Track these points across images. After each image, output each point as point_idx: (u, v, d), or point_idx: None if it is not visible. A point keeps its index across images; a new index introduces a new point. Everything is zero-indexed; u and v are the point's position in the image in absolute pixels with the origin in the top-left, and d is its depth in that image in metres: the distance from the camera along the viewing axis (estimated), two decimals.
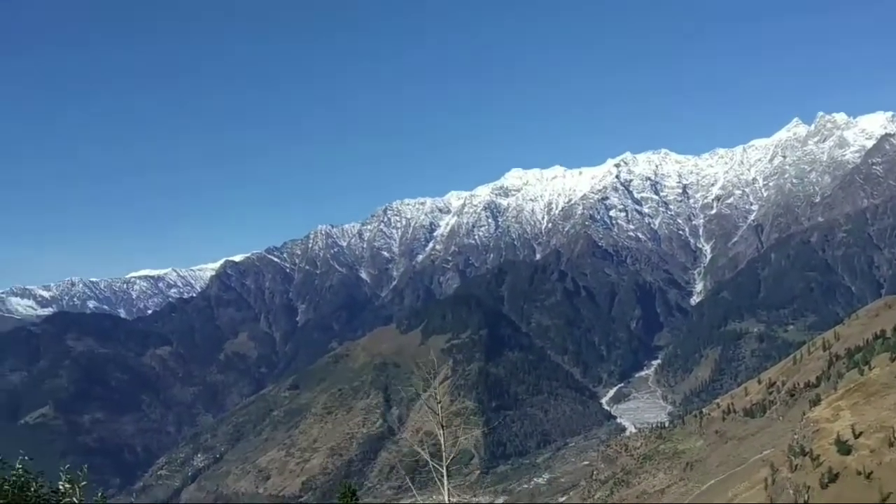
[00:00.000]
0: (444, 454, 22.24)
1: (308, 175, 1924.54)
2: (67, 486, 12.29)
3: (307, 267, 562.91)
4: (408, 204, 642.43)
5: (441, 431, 22.53)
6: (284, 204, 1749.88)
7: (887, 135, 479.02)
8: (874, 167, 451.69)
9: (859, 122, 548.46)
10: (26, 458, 12.57)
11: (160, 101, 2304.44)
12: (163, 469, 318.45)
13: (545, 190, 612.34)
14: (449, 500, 21.65)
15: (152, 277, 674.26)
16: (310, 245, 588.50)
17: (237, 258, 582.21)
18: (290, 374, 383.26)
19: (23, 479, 12.12)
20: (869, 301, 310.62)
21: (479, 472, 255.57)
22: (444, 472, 22.01)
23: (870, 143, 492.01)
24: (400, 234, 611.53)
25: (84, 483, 12.31)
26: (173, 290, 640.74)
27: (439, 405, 26.06)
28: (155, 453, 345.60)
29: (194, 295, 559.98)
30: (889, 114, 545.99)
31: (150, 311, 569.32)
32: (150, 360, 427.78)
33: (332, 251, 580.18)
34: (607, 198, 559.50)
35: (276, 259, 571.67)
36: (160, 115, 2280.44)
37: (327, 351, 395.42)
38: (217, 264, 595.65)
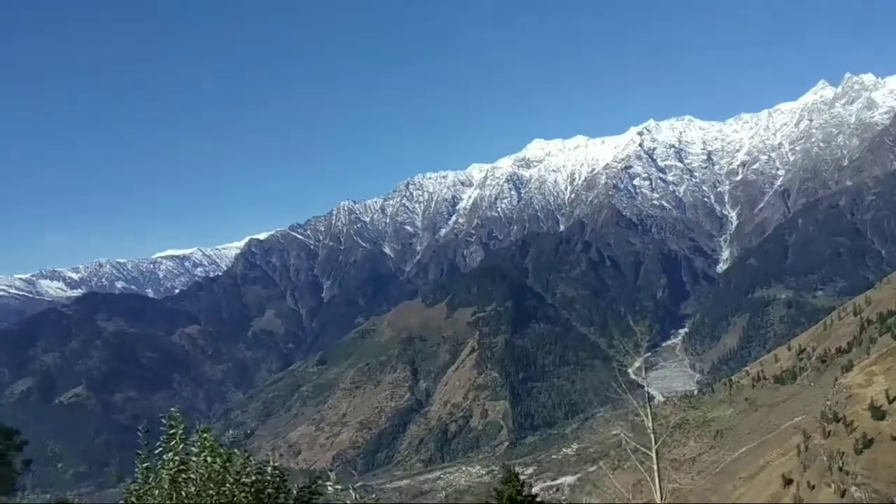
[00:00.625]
0: (653, 446, 20.86)
1: (330, 151, 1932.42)
2: None
3: (331, 243, 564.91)
4: (429, 178, 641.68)
5: (650, 422, 21.07)
6: (307, 181, 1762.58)
7: None
8: None
9: (888, 82, 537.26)
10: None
11: (185, 79, 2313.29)
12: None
13: (567, 160, 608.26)
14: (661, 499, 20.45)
15: (178, 257, 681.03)
16: (333, 221, 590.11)
17: (261, 236, 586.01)
18: (318, 349, 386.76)
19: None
20: None
21: (507, 443, 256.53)
22: (655, 463, 20.68)
23: None
24: (422, 208, 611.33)
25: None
26: (199, 270, 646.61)
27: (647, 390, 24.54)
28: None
29: (220, 274, 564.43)
30: None
31: (177, 291, 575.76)
32: (180, 339, 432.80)
33: (355, 227, 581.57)
34: (631, 166, 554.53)
35: (299, 236, 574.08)
36: (184, 94, 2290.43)
37: (353, 326, 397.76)
38: (242, 243, 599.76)
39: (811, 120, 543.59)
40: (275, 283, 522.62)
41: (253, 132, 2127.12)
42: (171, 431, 12.19)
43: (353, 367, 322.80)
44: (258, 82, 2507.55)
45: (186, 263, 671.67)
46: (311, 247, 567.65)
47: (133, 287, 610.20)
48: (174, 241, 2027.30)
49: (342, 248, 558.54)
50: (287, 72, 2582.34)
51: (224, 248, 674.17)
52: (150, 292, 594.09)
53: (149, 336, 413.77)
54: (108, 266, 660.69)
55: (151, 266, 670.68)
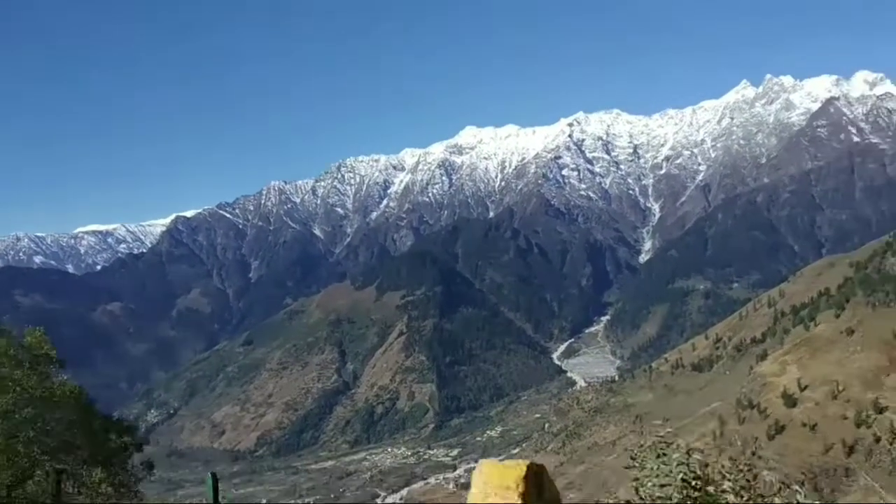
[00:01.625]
0: None
1: (262, 130, 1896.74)
2: None
3: (260, 223, 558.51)
4: (362, 161, 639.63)
5: None
6: (237, 159, 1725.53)
7: (832, 98, 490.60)
8: (818, 130, 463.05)
9: (805, 85, 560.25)
10: None
11: (113, 52, 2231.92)
12: None
13: (499, 148, 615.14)
14: None
15: (101, 233, 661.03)
16: (263, 201, 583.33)
17: (188, 214, 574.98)
18: (244, 330, 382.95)
19: None
20: (811, 260, 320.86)
21: (433, 425, 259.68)
22: None
23: (815, 106, 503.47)
24: (354, 190, 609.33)
25: None
26: (123, 246, 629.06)
27: None
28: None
29: (145, 251, 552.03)
30: (834, 77, 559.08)
31: (98, 267, 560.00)
32: (101, 316, 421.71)
33: (285, 207, 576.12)
34: (560, 157, 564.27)
35: (228, 215, 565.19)
36: (114, 67, 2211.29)
37: (281, 307, 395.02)
38: (167, 220, 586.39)
39: (732, 118, 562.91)
40: (201, 261, 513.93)
41: (182, 108, 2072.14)
42: None
43: (281, 347, 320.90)
44: (189, 56, 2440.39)
45: (109, 239, 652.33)
46: (240, 226, 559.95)
47: (52, 262, 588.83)
48: (97, 216, 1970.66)
49: (271, 228, 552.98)
50: (218, 46, 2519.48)
51: (149, 225, 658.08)
52: (70, 268, 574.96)
53: (69, 312, 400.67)
54: (25, 240, 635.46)
55: (72, 241, 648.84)
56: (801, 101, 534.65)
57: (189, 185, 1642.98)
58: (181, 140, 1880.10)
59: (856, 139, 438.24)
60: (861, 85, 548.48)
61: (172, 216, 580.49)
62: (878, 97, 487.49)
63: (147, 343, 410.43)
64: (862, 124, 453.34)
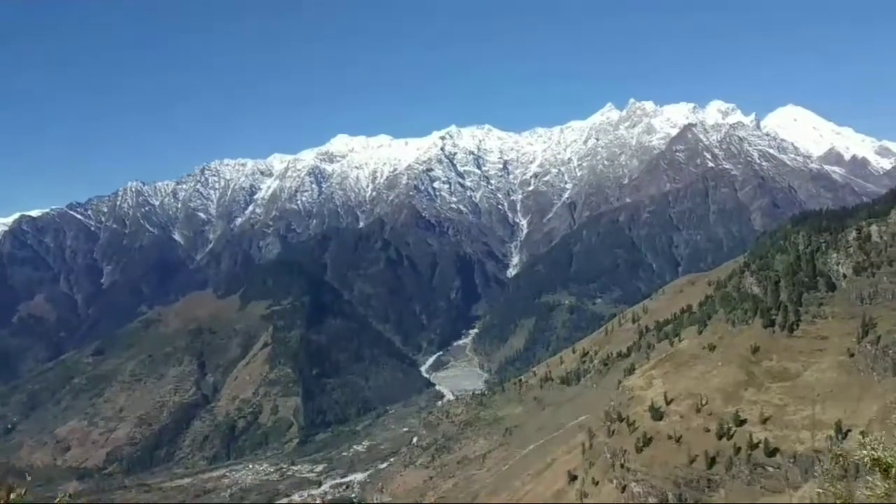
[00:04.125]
0: None
1: (119, 127, 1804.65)
2: None
3: (115, 226, 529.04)
4: (227, 164, 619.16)
5: None
6: (91, 158, 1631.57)
7: (690, 125, 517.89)
8: (677, 154, 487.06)
9: (665, 110, 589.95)
10: None
11: None
12: None
13: (371, 158, 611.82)
14: None
15: None
16: (118, 202, 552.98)
17: (34, 213, 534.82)
18: (94, 338, 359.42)
19: None
20: (668, 278, 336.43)
21: (297, 440, 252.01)
22: None
23: (674, 132, 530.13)
24: (218, 195, 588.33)
25: None
26: None
27: None
28: None
29: None
30: (692, 105, 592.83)
31: None
32: None
33: (143, 210, 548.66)
34: (432, 169, 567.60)
35: (79, 216, 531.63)
36: None
37: (136, 315, 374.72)
38: (10, 219, 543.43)
39: (598, 139, 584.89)
40: (47, 265, 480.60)
41: (31, 98, 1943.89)
42: None
43: (134, 358, 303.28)
44: (44, 42, 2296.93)
45: None
46: (92, 228, 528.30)
47: None
48: None
49: (127, 231, 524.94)
50: (76, 34, 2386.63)
51: None
52: None
53: None
54: None
55: None
56: (662, 126, 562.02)
57: (36, 183, 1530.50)
58: (29, 135, 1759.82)
59: (710, 164, 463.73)
60: (715, 114, 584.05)
61: (16, 215, 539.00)
62: (730, 126, 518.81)
63: None
64: (716, 151, 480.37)
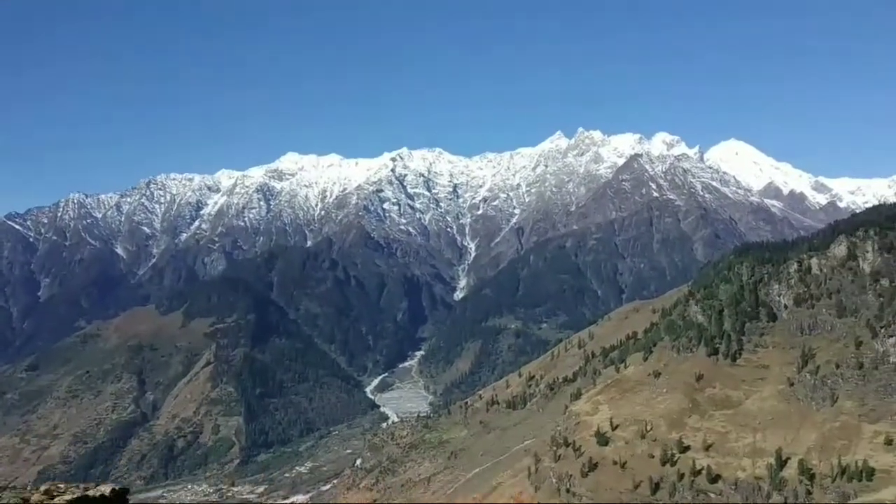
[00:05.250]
0: None
1: (61, 137, 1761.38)
2: None
3: (55, 237, 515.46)
4: (174, 178, 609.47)
5: None
6: (32, 167, 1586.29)
7: (636, 155, 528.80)
8: (623, 183, 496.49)
9: (612, 140, 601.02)
10: None
11: None
12: None
13: (321, 177, 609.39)
14: None
15: None
16: (59, 214, 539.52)
17: None
18: (29, 353, 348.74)
19: None
20: (612, 304, 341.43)
21: (238, 460, 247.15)
22: None
23: (621, 161, 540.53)
24: (163, 209, 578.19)
25: None
26: None
27: None
28: None
29: None
30: (638, 136, 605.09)
31: None
32: None
33: (84, 222, 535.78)
34: (382, 190, 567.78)
35: (17, 226, 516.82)
36: None
37: (74, 330, 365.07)
38: None
39: (546, 166, 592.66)
40: None
41: None
42: None
43: (71, 374, 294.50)
44: None
45: None
46: (31, 239, 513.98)
47: None
48: None
49: (67, 243, 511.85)
50: (24, 40, 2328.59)
51: None
52: None
53: None
54: None
55: None
56: (609, 156, 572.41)
57: None
58: None
59: (655, 194, 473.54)
60: (660, 145, 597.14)
61: None
62: (675, 157, 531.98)
63: None
64: (661, 181, 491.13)
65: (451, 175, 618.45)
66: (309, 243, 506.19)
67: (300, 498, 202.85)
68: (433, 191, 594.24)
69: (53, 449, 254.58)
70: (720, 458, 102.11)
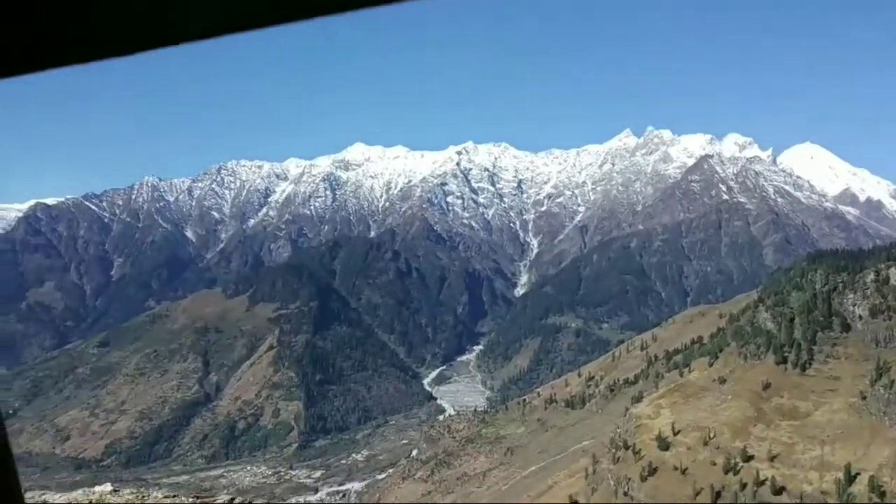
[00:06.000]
0: None
1: (138, 124, 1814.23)
2: None
3: (128, 219, 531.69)
4: (244, 165, 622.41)
5: None
6: (110, 151, 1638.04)
7: (706, 156, 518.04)
8: (692, 184, 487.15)
9: (682, 140, 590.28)
10: None
11: None
12: None
13: (386, 168, 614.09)
14: None
15: None
16: (133, 196, 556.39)
17: (49, 201, 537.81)
18: (100, 330, 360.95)
19: None
20: (676, 307, 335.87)
21: (296, 444, 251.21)
22: None
23: (690, 162, 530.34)
24: (233, 195, 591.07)
25: None
26: None
27: None
28: None
29: None
30: (709, 136, 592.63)
31: None
32: None
33: (157, 205, 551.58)
34: (446, 183, 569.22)
35: (94, 207, 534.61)
36: None
37: (144, 309, 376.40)
38: (25, 206, 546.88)
39: (613, 164, 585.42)
40: (59, 253, 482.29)
41: (54, 92, 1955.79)
42: None
43: (139, 352, 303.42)
44: None
45: None
46: (106, 220, 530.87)
47: None
48: None
49: (140, 225, 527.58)
50: None
51: (4, 209, 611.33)
52: None
53: None
54: None
55: None
56: (678, 156, 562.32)
57: (54, 172, 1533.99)
58: (48, 124, 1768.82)
59: (725, 197, 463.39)
60: (732, 146, 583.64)
61: (32, 202, 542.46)
62: (747, 159, 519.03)
63: None
64: (731, 183, 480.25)
65: (516, 170, 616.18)
66: (372, 234, 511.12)
67: (356, 485, 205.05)
68: (497, 185, 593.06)
69: (120, 424, 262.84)
70: (785, 470, 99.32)
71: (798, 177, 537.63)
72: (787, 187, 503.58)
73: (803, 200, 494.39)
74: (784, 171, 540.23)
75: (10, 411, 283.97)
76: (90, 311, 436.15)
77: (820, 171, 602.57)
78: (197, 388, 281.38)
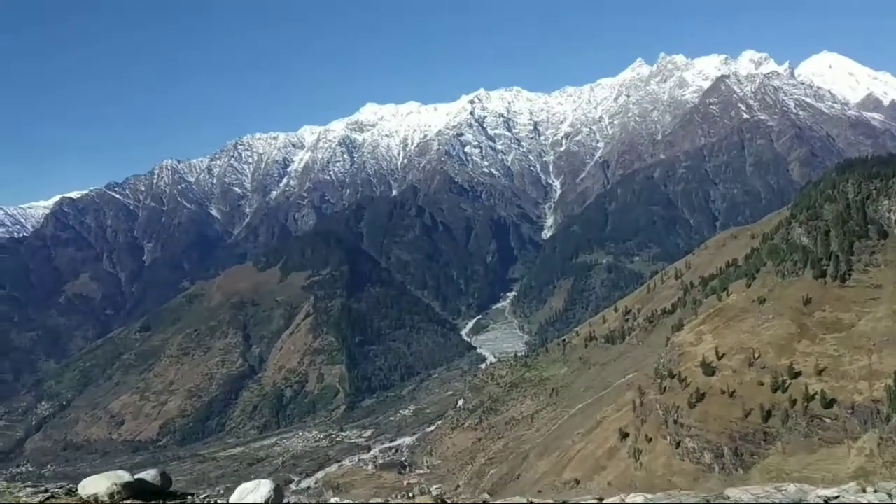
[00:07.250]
0: None
1: (151, 107, 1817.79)
2: None
3: (153, 203, 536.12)
4: (259, 138, 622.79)
5: None
6: (125, 138, 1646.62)
7: (722, 76, 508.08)
8: (711, 107, 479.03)
9: (696, 63, 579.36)
10: None
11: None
12: (2, 419, 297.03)
13: (401, 125, 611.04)
14: None
15: None
16: (155, 181, 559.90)
17: (74, 195, 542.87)
18: (140, 315, 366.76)
19: None
20: (706, 233, 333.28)
21: (344, 407, 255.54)
22: None
23: (706, 84, 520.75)
24: (252, 169, 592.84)
25: None
26: (1, 230, 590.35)
27: None
28: None
29: (26, 234, 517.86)
30: (723, 56, 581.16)
31: None
32: None
33: (179, 187, 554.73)
34: (462, 134, 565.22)
35: (117, 195, 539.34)
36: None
37: (179, 291, 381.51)
38: (50, 202, 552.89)
39: (629, 96, 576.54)
40: (90, 244, 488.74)
41: (61, 85, 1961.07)
42: None
43: (180, 332, 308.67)
44: (69, 26, 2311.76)
45: None
46: (131, 207, 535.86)
47: None
48: None
49: (165, 208, 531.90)
50: (103, 17, 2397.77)
51: (30, 208, 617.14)
52: None
53: None
54: None
55: None
56: (694, 80, 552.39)
57: (73, 166, 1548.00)
58: (62, 117, 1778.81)
59: (745, 116, 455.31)
60: (748, 64, 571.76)
61: (56, 198, 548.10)
62: (764, 76, 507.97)
63: (34, 332, 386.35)
64: (751, 102, 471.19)
65: (530, 113, 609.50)
66: (394, 192, 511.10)
67: (407, 440, 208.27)
68: (514, 130, 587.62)
69: (171, 404, 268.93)
70: (834, 383, 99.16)
71: (818, 88, 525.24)
72: (807, 99, 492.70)
73: (826, 111, 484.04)
74: (803, 84, 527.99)
75: (64, 403, 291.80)
76: (127, 298, 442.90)
77: (840, 80, 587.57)
78: (241, 361, 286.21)
